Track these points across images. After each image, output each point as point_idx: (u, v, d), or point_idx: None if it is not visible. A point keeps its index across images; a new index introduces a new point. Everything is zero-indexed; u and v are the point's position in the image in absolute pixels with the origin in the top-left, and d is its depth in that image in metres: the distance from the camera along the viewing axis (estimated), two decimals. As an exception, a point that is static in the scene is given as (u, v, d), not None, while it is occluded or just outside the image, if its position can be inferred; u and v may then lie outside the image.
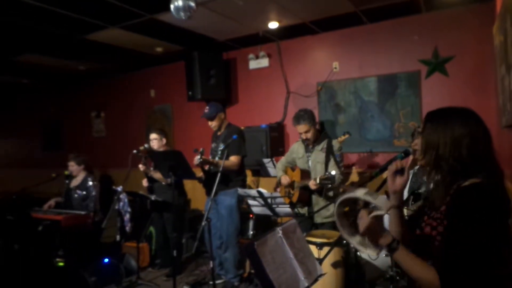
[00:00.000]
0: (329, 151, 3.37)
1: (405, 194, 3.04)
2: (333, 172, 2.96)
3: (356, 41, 4.72)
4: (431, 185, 1.35)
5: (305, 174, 3.41)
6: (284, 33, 4.90)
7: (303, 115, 3.30)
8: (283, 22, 4.45)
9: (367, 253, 1.26)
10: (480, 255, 1.10)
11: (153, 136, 4.24)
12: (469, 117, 1.25)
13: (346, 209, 1.30)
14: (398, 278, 3.31)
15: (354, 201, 1.27)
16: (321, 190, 3.28)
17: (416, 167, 3.01)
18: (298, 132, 3.42)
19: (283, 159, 3.67)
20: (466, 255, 1.11)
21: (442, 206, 1.25)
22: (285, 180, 3.49)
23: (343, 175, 4.43)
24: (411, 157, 2.91)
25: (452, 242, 1.15)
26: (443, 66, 4.21)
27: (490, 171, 1.20)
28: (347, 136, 4.20)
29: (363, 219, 1.22)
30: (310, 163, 3.41)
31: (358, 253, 2.89)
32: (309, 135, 3.34)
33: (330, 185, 2.98)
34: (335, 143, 3.45)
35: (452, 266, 1.13)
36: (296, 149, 3.57)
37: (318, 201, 3.38)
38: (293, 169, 3.61)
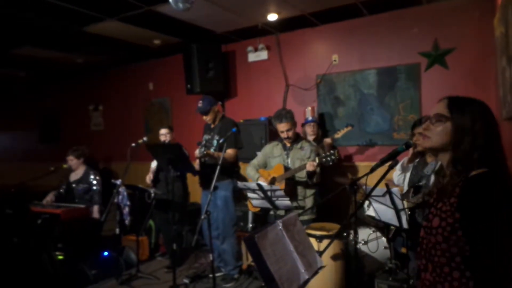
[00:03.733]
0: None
1: (405, 187, 3.04)
2: (332, 150, 3.01)
3: (355, 33, 4.69)
4: (433, 176, 1.36)
5: (286, 170, 3.41)
6: (283, 26, 4.85)
7: (285, 114, 3.34)
8: (282, 14, 4.41)
9: None
10: (508, 246, 1.11)
11: (164, 131, 4.32)
12: (489, 108, 1.25)
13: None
14: (397, 270, 3.32)
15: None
16: (313, 173, 3.26)
17: (417, 160, 3.00)
18: (279, 131, 3.41)
19: (254, 162, 3.65)
20: (495, 249, 1.11)
21: (451, 198, 1.22)
22: (263, 180, 3.43)
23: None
24: (411, 150, 2.90)
25: (479, 239, 1.14)
26: (443, 58, 4.18)
27: (499, 162, 1.21)
28: (349, 128, 4.18)
29: None
30: (289, 160, 3.43)
31: (358, 246, 2.90)
32: (290, 133, 3.37)
33: (331, 162, 2.99)
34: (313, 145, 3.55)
35: (485, 263, 1.13)
36: (269, 150, 3.57)
37: (304, 192, 3.38)
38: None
